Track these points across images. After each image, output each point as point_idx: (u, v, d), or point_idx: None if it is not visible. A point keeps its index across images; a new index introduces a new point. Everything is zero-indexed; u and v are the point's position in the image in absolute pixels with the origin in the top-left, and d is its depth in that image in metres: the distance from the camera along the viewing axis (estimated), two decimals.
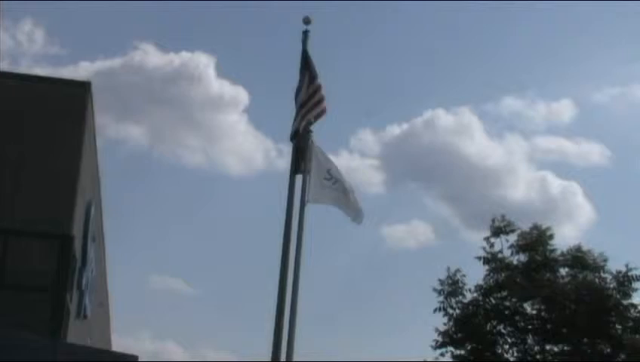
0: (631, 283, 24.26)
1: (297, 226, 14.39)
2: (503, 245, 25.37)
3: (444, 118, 64.97)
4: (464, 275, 25.00)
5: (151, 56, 66.23)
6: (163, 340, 72.06)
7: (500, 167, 65.16)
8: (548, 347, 24.70)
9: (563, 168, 67.43)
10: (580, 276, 24.68)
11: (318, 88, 14.92)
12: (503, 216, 25.44)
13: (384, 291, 57.35)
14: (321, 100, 14.94)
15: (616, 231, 55.15)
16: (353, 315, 55.83)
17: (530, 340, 24.75)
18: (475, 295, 24.99)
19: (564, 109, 68.18)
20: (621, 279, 24.36)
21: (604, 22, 63.51)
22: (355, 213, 15.38)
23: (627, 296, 24.34)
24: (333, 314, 52.82)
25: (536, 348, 24.65)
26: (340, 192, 15.16)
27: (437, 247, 60.92)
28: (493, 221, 25.35)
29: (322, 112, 14.98)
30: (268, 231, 44.90)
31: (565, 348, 24.39)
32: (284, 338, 13.78)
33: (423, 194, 66.66)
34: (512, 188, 64.95)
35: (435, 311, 24.67)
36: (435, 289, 24.77)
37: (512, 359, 24.50)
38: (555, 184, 65.46)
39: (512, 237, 25.43)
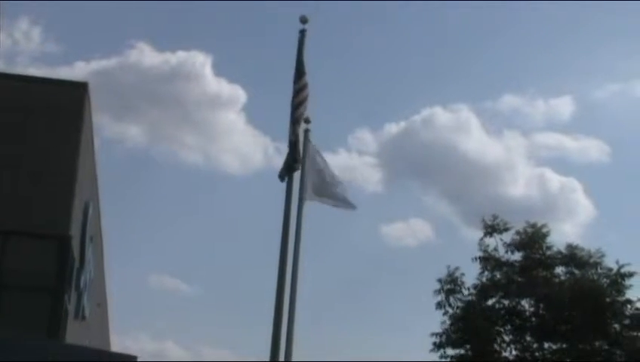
0: (624, 280, 24.32)
1: (295, 224, 14.41)
2: (498, 243, 25.42)
3: (442, 115, 65.07)
4: (463, 274, 25.07)
5: (147, 56, 66.27)
6: (162, 340, 72.09)
7: (499, 164, 65.24)
8: (546, 345, 24.74)
9: (562, 165, 67.48)
10: (577, 273, 24.73)
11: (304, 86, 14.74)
12: (494, 216, 25.49)
13: (383, 289, 57.50)
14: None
15: (616, 227, 55.21)
16: (352, 314, 55.92)
17: (528, 338, 24.80)
18: (472, 294, 25.04)
19: (564, 106, 68.42)
20: (613, 277, 24.41)
21: (604, 18, 63.53)
22: (344, 202, 15.41)
23: (621, 293, 24.40)
24: (331, 313, 52.91)
25: (535, 346, 24.69)
26: (328, 185, 15.14)
27: (436, 245, 61.06)
28: (483, 220, 25.41)
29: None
30: (266, 230, 45.01)
31: (563, 345, 24.44)
32: (282, 338, 13.79)
33: (422, 192, 66.69)
34: (512, 185, 65.03)
35: (436, 307, 24.74)
36: (435, 291, 24.82)
37: (510, 357, 24.54)
38: (555, 180, 65.59)
39: (507, 236, 25.50)
